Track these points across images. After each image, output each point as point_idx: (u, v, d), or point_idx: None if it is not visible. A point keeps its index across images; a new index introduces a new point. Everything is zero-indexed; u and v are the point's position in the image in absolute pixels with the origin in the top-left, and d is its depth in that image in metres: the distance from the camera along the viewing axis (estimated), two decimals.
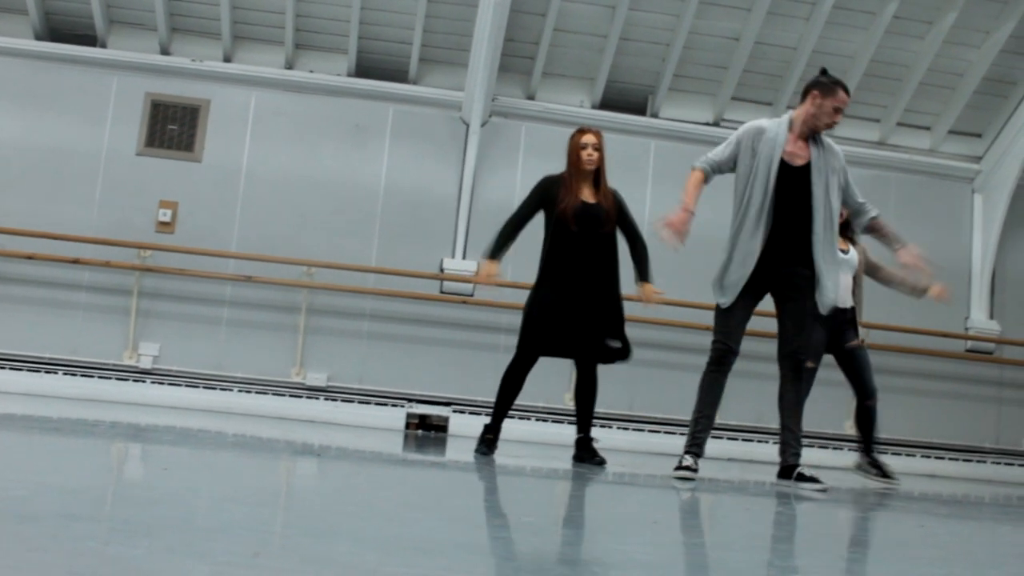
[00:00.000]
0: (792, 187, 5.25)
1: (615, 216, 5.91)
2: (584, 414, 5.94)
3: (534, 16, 9.01)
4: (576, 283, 5.76)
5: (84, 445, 4.61)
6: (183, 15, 9.11)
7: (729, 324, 5.31)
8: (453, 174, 9.15)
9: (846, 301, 6.51)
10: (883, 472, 6.51)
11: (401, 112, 9.26)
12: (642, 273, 5.96)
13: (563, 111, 9.26)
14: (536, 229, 5.96)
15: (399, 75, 9.33)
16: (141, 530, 2.11)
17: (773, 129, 5.34)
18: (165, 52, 9.14)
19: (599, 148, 5.92)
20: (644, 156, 9.39)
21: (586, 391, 5.93)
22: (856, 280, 6.66)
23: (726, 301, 5.28)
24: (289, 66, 9.26)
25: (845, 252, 6.45)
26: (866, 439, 6.63)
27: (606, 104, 9.47)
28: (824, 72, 5.43)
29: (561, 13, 8.96)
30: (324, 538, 2.24)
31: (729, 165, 5.40)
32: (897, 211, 9.66)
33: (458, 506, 3.35)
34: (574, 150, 5.91)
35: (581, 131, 5.98)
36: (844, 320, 6.49)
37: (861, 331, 6.68)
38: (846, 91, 5.37)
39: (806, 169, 5.29)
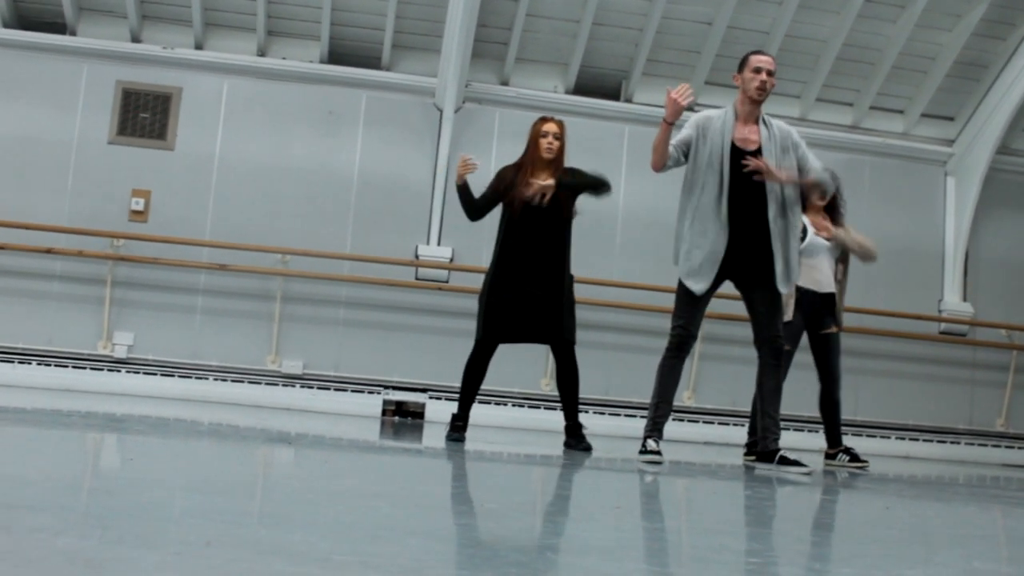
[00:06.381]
0: (747, 172, 5.31)
1: (568, 204, 5.92)
2: (568, 401, 5.96)
3: (507, 1, 8.98)
4: (526, 271, 5.83)
5: (55, 436, 4.59)
6: (154, 2, 9.03)
7: (695, 310, 5.43)
8: (427, 160, 9.14)
9: (827, 286, 6.50)
10: (854, 456, 6.54)
11: (374, 99, 9.22)
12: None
13: (537, 96, 9.25)
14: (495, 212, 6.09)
15: (372, 61, 9.29)
16: (95, 521, 2.12)
17: (720, 116, 5.44)
18: (136, 40, 9.06)
19: (560, 138, 5.95)
20: (618, 141, 9.39)
21: (567, 378, 5.95)
22: (841, 266, 6.59)
23: (700, 288, 5.34)
24: (261, 53, 9.20)
25: (829, 238, 6.42)
26: (834, 431, 6.61)
27: (580, 89, 9.46)
28: None
29: None
30: (280, 526, 2.25)
31: (684, 148, 5.42)
32: (871, 194, 9.72)
33: (423, 493, 3.36)
34: (534, 138, 5.96)
35: (543, 120, 6.02)
36: (822, 305, 6.47)
37: (842, 317, 6.58)
38: (760, 52, 5.55)
39: (758, 153, 5.37)
